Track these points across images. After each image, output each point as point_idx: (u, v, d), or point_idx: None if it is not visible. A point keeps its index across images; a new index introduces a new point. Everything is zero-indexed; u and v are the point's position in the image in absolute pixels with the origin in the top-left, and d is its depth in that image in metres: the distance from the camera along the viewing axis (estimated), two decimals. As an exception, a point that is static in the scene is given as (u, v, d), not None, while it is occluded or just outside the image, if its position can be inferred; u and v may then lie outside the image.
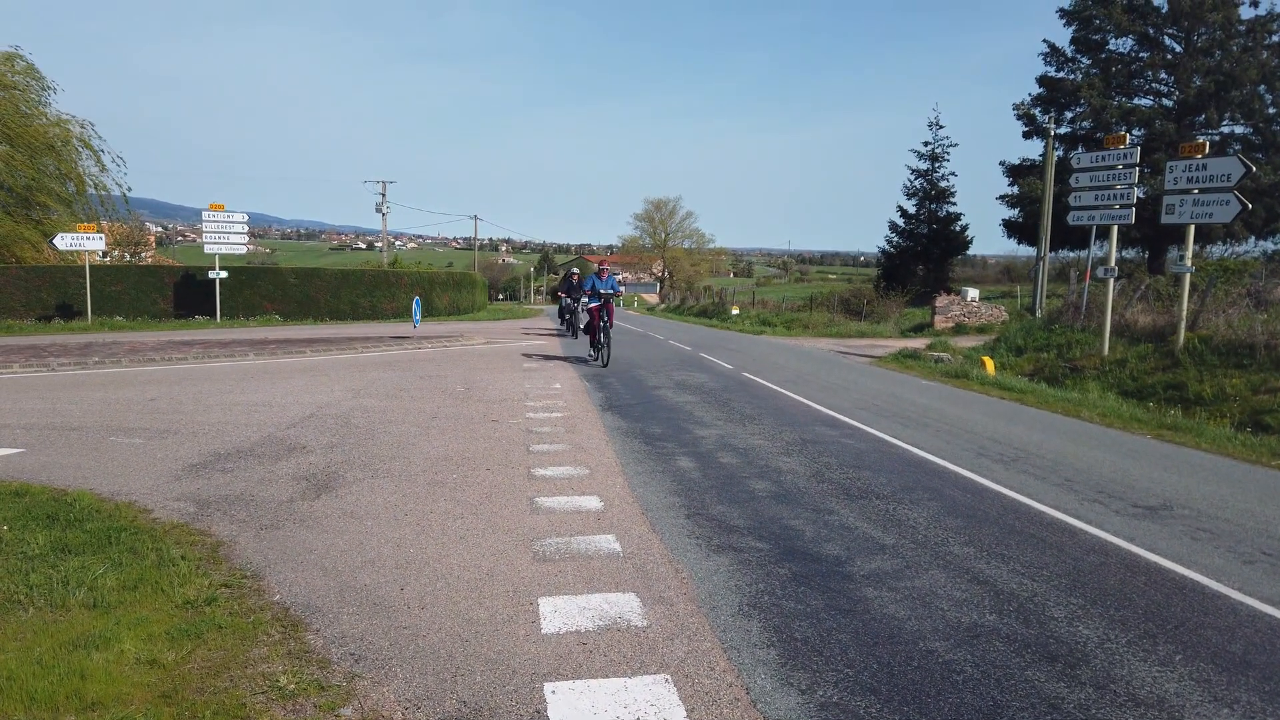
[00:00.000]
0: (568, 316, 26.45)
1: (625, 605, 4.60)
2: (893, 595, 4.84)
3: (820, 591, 4.87)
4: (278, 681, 3.68)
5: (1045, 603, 4.80)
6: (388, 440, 8.91)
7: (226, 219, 30.02)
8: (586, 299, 17.05)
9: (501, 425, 9.96)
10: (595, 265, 19.63)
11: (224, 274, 29.68)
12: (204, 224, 30.05)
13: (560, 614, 4.47)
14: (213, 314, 29.69)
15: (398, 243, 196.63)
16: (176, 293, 31.02)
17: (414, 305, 23.89)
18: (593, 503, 6.64)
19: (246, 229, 31.02)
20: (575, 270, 26.96)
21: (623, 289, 18.83)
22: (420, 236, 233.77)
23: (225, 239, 29.92)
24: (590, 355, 17.56)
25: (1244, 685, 3.87)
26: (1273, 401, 12.99)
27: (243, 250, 31.38)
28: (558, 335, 27.38)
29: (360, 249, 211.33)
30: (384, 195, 56.12)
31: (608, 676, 3.80)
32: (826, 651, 4.09)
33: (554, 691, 3.65)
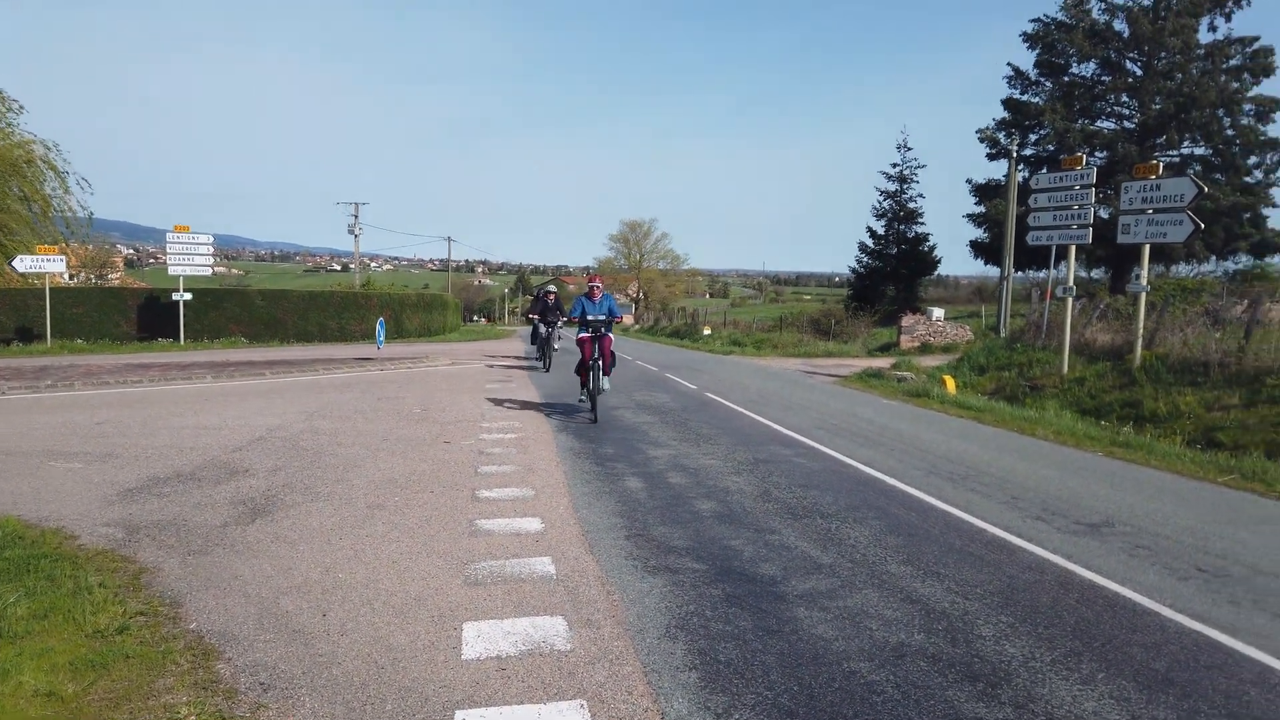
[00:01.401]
0: (543, 344, 21.81)
1: (551, 629, 4.53)
2: (823, 615, 4.80)
3: (751, 612, 4.82)
4: (178, 713, 3.58)
5: (975, 621, 4.77)
6: (334, 463, 8.79)
7: (191, 240, 29.71)
8: (578, 326, 12.36)
9: (453, 447, 9.85)
10: (585, 283, 13.80)
11: (188, 296, 29.34)
12: (168, 245, 29.73)
13: (483, 639, 4.39)
14: (176, 336, 29.32)
15: (373, 264, 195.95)
16: (140, 315, 30.65)
17: (378, 327, 23.70)
18: (533, 524, 6.56)
19: (211, 250, 30.70)
20: (551, 289, 22.23)
21: (622, 314, 13.67)
22: (396, 258, 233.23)
23: (189, 260, 29.60)
24: (581, 400, 12.52)
25: (1163, 703, 3.86)
26: (1225, 418, 13.14)
27: (207, 272, 31.05)
28: (526, 365, 23.12)
29: (335, 270, 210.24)
30: (356, 216, 55.98)
31: (522, 703, 3.73)
32: (748, 674, 4.04)
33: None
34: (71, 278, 45.52)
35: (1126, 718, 3.71)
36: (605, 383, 12.22)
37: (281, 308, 33.67)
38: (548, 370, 20.35)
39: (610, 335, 12.16)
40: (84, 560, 5.46)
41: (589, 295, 12.35)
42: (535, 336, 23.23)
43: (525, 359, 25.55)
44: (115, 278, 65.83)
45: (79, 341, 27.83)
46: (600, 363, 12.01)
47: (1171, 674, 4.18)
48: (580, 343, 12.17)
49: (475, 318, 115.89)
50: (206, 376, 16.94)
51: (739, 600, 5.01)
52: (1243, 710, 3.82)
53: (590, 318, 12.10)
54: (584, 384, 12.32)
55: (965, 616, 4.85)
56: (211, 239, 30.57)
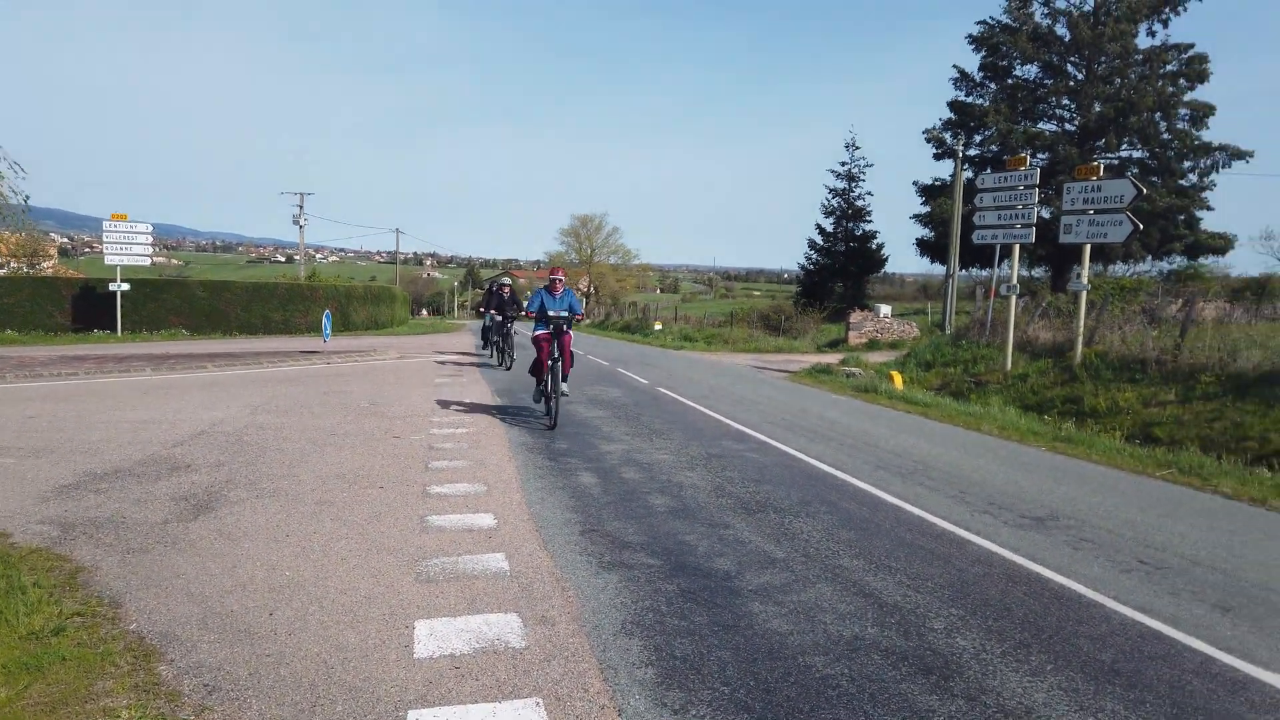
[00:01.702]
0: (494, 339, 21.16)
1: (505, 626, 4.47)
2: (778, 610, 4.81)
3: (706, 607, 4.82)
4: (118, 717, 3.46)
5: (927, 614, 4.83)
6: (279, 458, 8.59)
7: (129, 229, 28.87)
8: (532, 324, 11.26)
9: (403, 442, 9.70)
10: (544, 277, 12.86)
11: (125, 286, 28.50)
12: (105, 235, 28.84)
13: (436, 637, 4.32)
14: (113, 328, 28.46)
15: (318, 256, 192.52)
16: (75, 306, 29.64)
17: (324, 319, 23.28)
18: (486, 520, 6.48)
19: (150, 239, 29.87)
20: (505, 282, 21.19)
21: (583, 310, 12.35)
22: (342, 250, 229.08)
23: (127, 250, 28.77)
24: (536, 404, 11.76)
25: (1109, 694, 3.94)
26: (1161, 414, 13.53)
27: (146, 262, 30.22)
28: (477, 362, 21.84)
29: (279, 262, 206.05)
30: (301, 207, 54.86)
31: (476, 702, 3.67)
32: (705, 669, 4.03)
33: (417, 719, 3.51)
34: (0, 266, 43.94)
35: (1075, 708, 3.78)
36: (564, 386, 11.15)
37: (224, 299, 32.88)
38: (509, 368, 19.10)
39: (570, 333, 11.15)
40: (17, 559, 5.25)
41: (549, 289, 11.20)
42: (488, 332, 22.24)
43: (476, 355, 24.62)
44: (49, 267, 63.67)
45: (10, 333, 26.86)
46: (560, 364, 10.90)
47: (1117, 665, 4.27)
48: (537, 340, 10.95)
49: (424, 311, 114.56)
50: (145, 369, 16.46)
51: (694, 595, 5.00)
52: (1186, 700, 3.92)
53: (551, 313, 10.93)
54: (540, 386, 11.31)
55: (917, 610, 4.90)
56: (150, 228, 29.74)
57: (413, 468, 8.32)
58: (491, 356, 21.38)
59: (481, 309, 22.26)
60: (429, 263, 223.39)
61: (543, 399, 11.38)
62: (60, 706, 3.54)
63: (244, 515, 6.46)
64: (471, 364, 21.37)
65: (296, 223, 55.25)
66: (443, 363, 21.11)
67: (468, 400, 13.67)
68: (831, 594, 5.11)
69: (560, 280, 11.31)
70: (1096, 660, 4.32)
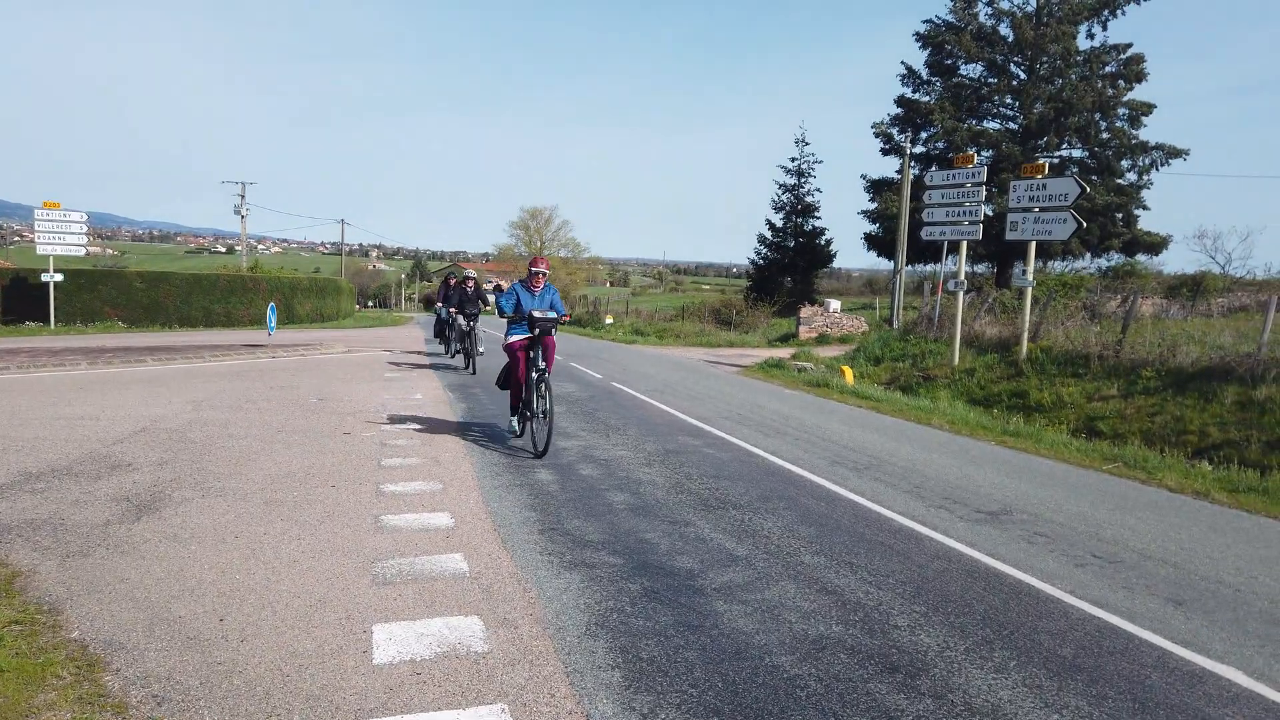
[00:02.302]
0: (449, 335, 19.24)
1: (467, 630, 4.37)
2: (743, 609, 4.78)
3: (670, 607, 4.77)
4: (61, 732, 3.28)
5: (890, 611, 4.84)
6: (226, 456, 8.33)
7: (63, 218, 27.88)
8: (509, 325, 9.15)
9: (354, 438, 9.49)
10: (522, 270, 10.56)
11: (59, 277, 27.53)
12: (37, 223, 27.82)
13: (395, 642, 4.20)
14: (46, 320, 27.49)
15: (260, 247, 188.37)
16: (6, 297, 28.58)
17: (269, 312, 22.77)
18: (443, 519, 6.35)
19: (85, 229, 28.89)
20: (469, 275, 18.80)
21: (567, 311, 9.87)
22: (285, 240, 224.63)
23: (61, 240, 27.78)
24: (513, 428, 9.60)
25: (1072, 690, 3.98)
26: (1105, 408, 13.85)
27: (80, 252, 29.21)
28: (430, 362, 19.48)
29: (219, 252, 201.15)
30: (243, 197, 53.62)
31: (440, 709, 3.57)
32: (672, 671, 3.98)
33: (379, 729, 3.40)
34: (-75, 255, 42.20)
35: (1040, 705, 3.81)
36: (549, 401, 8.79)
37: (163, 291, 31.96)
38: (473, 371, 17.03)
39: (553, 338, 9.12)
40: (-54, 565, 4.99)
41: (528, 283, 9.19)
42: (444, 328, 20.19)
43: (429, 354, 22.15)
44: (-25, 256, 61.28)
45: (-66, 324, 25.80)
46: (545, 368, 8.87)
47: (1078, 660, 4.32)
48: (511, 348, 9.07)
49: (370, 303, 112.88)
50: (81, 363, 15.89)
51: (658, 595, 4.95)
52: (1146, 695, 3.98)
53: (536, 314, 8.83)
54: (517, 406, 9.33)
55: (880, 607, 4.91)
56: (85, 217, 28.77)
57: (365, 465, 8.13)
58: (449, 356, 19.54)
59: (437, 303, 20.34)
60: (375, 254, 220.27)
61: (523, 422, 9.32)
62: (-3, 722, 3.36)
63: (190, 516, 6.24)
64: (426, 364, 19.21)
65: (238, 212, 53.99)
66: (396, 363, 20.72)
67: (417, 396, 13.45)
68: (795, 592, 5.09)
69: (543, 273, 9.24)
70: (1058, 656, 4.36)
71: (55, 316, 27.66)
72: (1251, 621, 5.00)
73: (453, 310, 18.78)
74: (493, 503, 6.91)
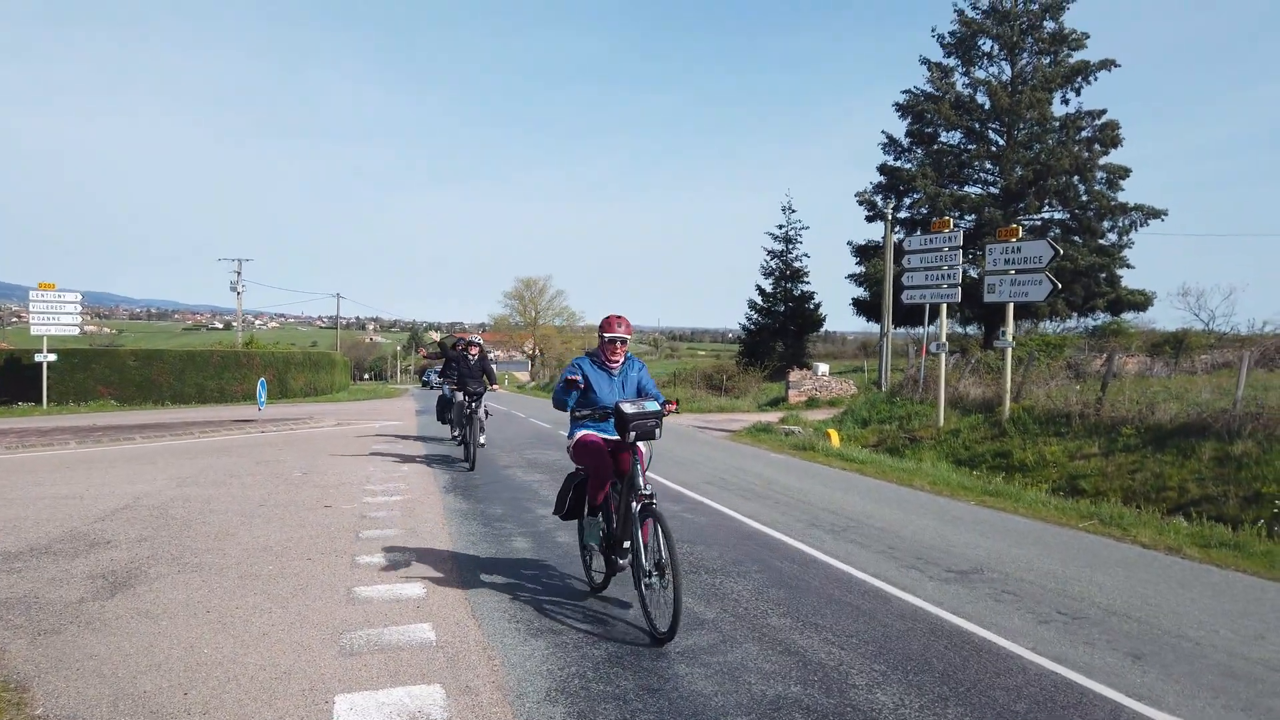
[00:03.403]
0: (463, 423, 14.60)
1: (428, 698, 4.43)
2: (704, 671, 4.84)
3: (632, 671, 4.82)
4: (16, 808, 3.33)
5: (850, 671, 4.90)
6: (205, 531, 8.39)
7: (57, 298, 28.24)
8: (573, 420, 6.18)
9: (334, 511, 9.56)
10: (609, 328, 6.22)
11: (52, 357, 27.75)
12: (31, 304, 28.15)
13: (356, 712, 4.25)
14: (38, 400, 27.60)
15: (258, 322, 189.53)
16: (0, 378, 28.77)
17: (259, 387, 22.91)
18: (415, 590, 6.40)
19: (80, 308, 29.22)
20: (474, 340, 15.36)
21: (663, 398, 5.95)
22: (282, 315, 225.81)
23: (55, 320, 28.09)
24: (590, 579, 6.61)
25: (1021, 742, 4.03)
26: (1086, 467, 13.95)
27: (75, 331, 29.51)
28: (422, 453, 15.66)
29: (216, 329, 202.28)
30: (239, 273, 54.23)
31: (394, 776, 3.62)
32: (627, 734, 4.03)
33: (331, 797, 3.45)
34: (-79, 337, 42.50)
35: (987, 759, 3.86)
36: (655, 551, 5.50)
37: (156, 368, 32.16)
38: (472, 466, 13.30)
39: (657, 432, 5.68)
40: (-84, 645, 5.04)
41: (603, 357, 6.22)
42: (446, 409, 16.77)
43: (425, 436, 19.34)
44: (-29, 337, 61.65)
45: (-74, 406, 25.90)
46: (653, 506, 5.47)
47: (1031, 715, 4.38)
48: (586, 448, 6.05)
49: (366, 376, 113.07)
50: (70, 442, 15.98)
51: (620, 660, 5.00)
52: (1092, 746, 4.03)
53: (627, 407, 5.61)
54: (601, 549, 6.12)
55: (840, 666, 4.97)
56: (80, 297, 29.13)
57: (342, 538, 8.19)
58: (457, 443, 15.88)
59: (435, 381, 19.22)
60: (371, 327, 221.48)
61: (611, 571, 6.07)
62: (-46, 799, 3.41)
63: (164, 591, 6.29)
64: (418, 453, 15.49)
65: (234, 289, 54.54)
66: (382, 448, 20.76)
67: (403, 468, 13.51)
68: (758, 653, 5.15)
69: (622, 340, 6.16)
70: (1011, 711, 4.42)
71: (48, 396, 27.79)
72: (1207, 674, 5.06)
73: (451, 385, 15.19)
74: (466, 573, 6.97)
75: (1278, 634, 5.92)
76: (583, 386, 6.04)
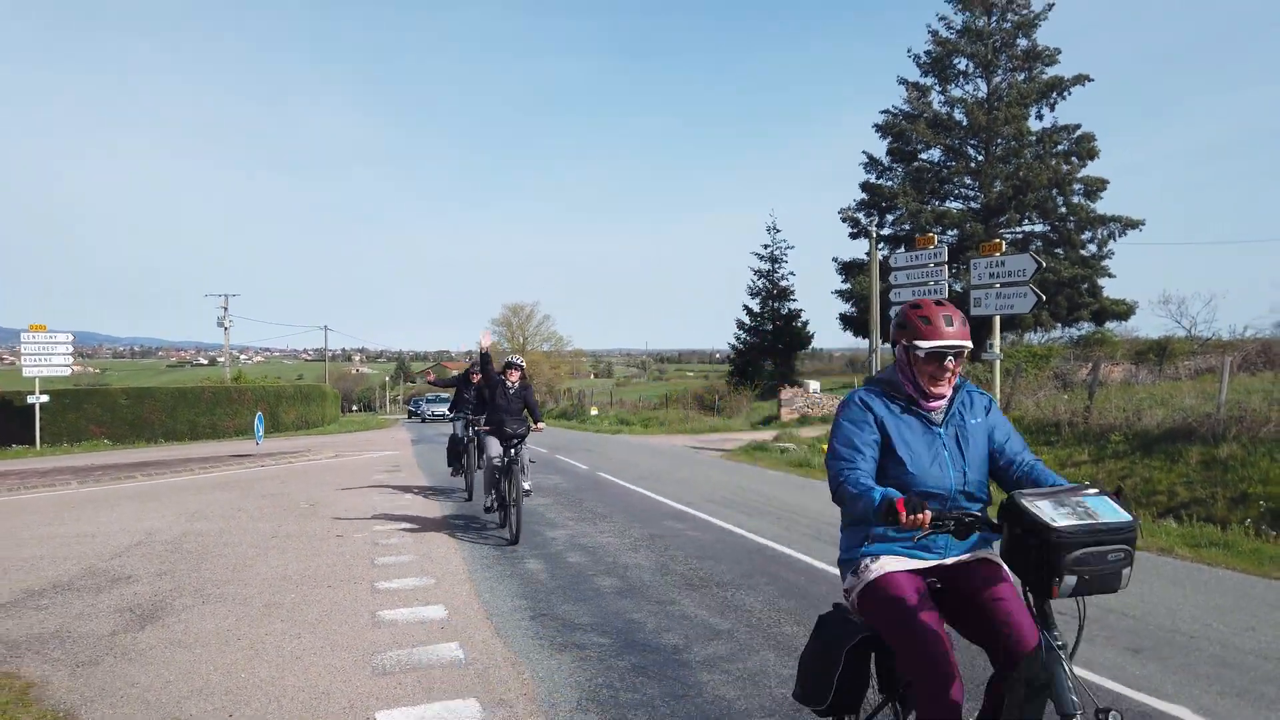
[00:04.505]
0: (466, 464, 12.91)
1: (465, 711, 4.62)
2: (725, 677, 5.06)
3: (657, 680, 5.04)
4: (89, 824, 3.51)
5: (864, 673, 5.13)
6: (222, 563, 8.55)
7: (49, 339, 28.31)
8: (849, 523, 3.16)
9: (346, 540, 9.73)
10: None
11: (45, 398, 27.78)
12: (23, 346, 28.20)
13: (398, 726, 4.45)
14: (32, 441, 27.58)
15: (243, 356, 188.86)
16: (-10, 420, 28.74)
17: (256, 422, 23.04)
18: (438, 612, 6.60)
19: (71, 349, 29.28)
20: (517, 362, 10.41)
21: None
22: (268, 349, 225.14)
23: (47, 361, 28.15)
24: None
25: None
26: (1078, 474, 14.25)
27: (66, 372, 29.56)
28: (425, 482, 15.28)
29: (201, 365, 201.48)
30: (226, 309, 54.25)
31: (443, 783, 3.82)
32: (659, 738, 4.25)
33: (386, 804, 3.65)
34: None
35: (1001, 748, 4.09)
36: None
37: (147, 406, 32.21)
38: (515, 539, 9.30)
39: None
40: (-38, 680, 5.21)
41: (911, 386, 3.13)
42: (458, 454, 13.18)
43: (425, 467, 18.50)
44: (-43, 381, 61.32)
45: (-81, 451, 25.86)
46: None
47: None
48: (895, 611, 2.92)
49: (355, 408, 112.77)
50: (71, 482, 16.07)
51: (645, 670, 5.22)
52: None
53: (1049, 513, 2.52)
54: None
55: (855, 669, 5.19)
56: (71, 337, 29.23)
57: (358, 565, 8.37)
58: (488, 505, 10.65)
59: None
60: (358, 358, 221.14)
61: None
62: (27, 818, 3.59)
63: (193, 622, 6.47)
64: (421, 483, 15.14)
65: (221, 324, 54.53)
66: (385, 477, 20.90)
67: (407, 497, 13.67)
68: (775, 660, 5.38)
69: (957, 353, 3.04)
70: (1020, 704, 4.65)
71: (41, 437, 27.79)
72: (1202, 665, 5.32)
73: (476, 423, 11.81)
74: (484, 593, 7.17)
75: (1267, 626, 6.19)
76: (874, 448, 3.04)
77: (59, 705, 4.85)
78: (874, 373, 32.81)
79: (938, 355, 3.01)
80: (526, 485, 10.08)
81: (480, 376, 11.31)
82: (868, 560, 3.06)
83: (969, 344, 3.00)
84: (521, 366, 10.41)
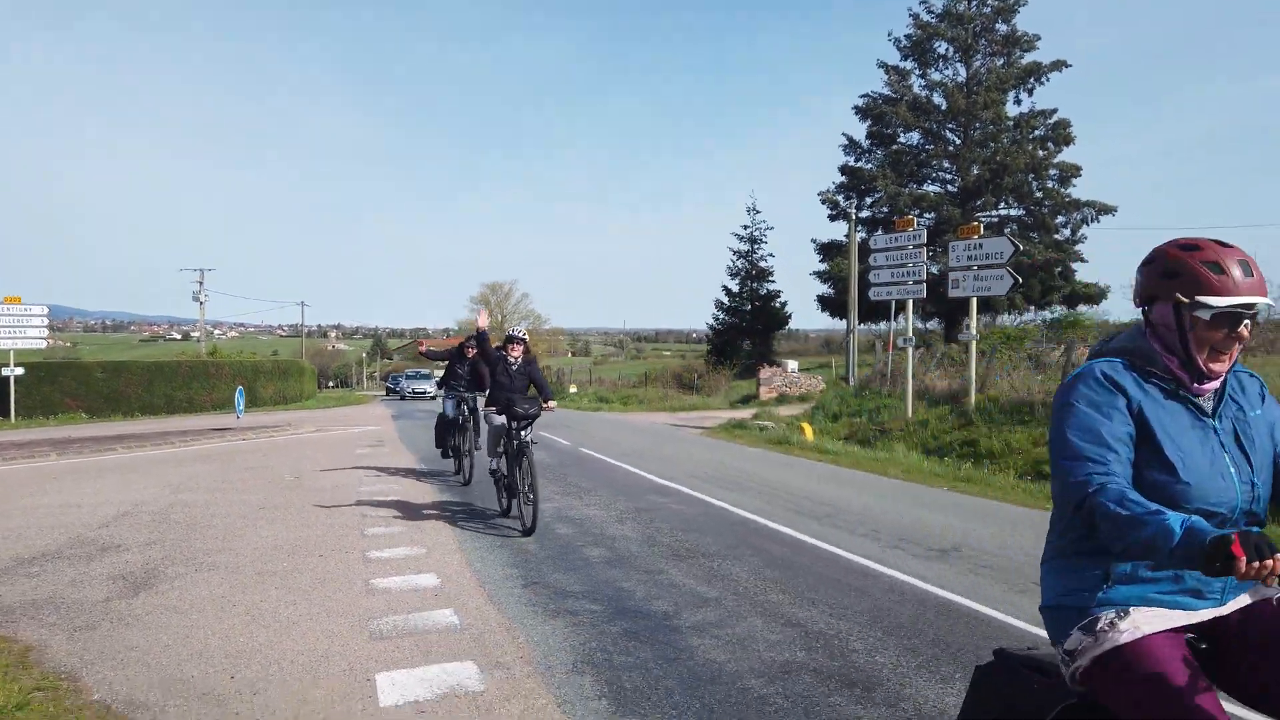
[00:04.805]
0: (459, 443, 12.04)
1: (463, 673, 4.75)
2: (715, 642, 5.22)
3: (649, 644, 5.19)
4: (102, 776, 3.61)
5: (849, 638, 5.31)
6: (212, 533, 8.61)
7: (24, 312, 27.96)
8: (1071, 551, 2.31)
9: (335, 512, 9.81)
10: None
11: (20, 370, 27.46)
12: (-3, 318, 27.85)
13: (398, 687, 4.57)
14: (6, 414, 27.29)
15: (217, 332, 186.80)
16: (-38, 393, 28.37)
17: (237, 395, 22.96)
18: (430, 580, 6.72)
19: (46, 322, 28.94)
20: (519, 334, 9.46)
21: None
22: (242, 325, 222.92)
23: (21, 333, 27.80)
24: None
25: (1009, 692, 4.46)
26: (1049, 453, 14.56)
27: (42, 345, 29.24)
28: (410, 458, 15.07)
29: (175, 340, 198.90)
30: (201, 283, 53.71)
31: (446, 739, 3.95)
32: (654, 697, 4.40)
33: (393, 757, 3.78)
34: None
35: (980, 706, 4.28)
36: None
37: (124, 380, 31.92)
38: (529, 530, 8.37)
39: None
40: (-39, 644, 5.26)
41: (1178, 361, 2.22)
42: (448, 434, 12.25)
43: (409, 443, 18.34)
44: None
45: (-110, 423, 25.53)
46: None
47: (1015, 668, 4.81)
48: (1158, 690, 1.96)
49: (331, 384, 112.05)
50: (51, 454, 15.98)
51: (637, 635, 5.37)
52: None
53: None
54: None
55: (840, 635, 5.38)
56: (46, 310, 28.87)
57: (349, 535, 8.46)
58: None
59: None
60: (334, 335, 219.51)
61: None
62: (42, 772, 3.68)
63: (187, 589, 6.54)
64: (407, 459, 15.21)
65: (197, 299, 54.00)
66: (368, 450, 20.91)
67: (392, 470, 13.74)
68: (763, 626, 5.55)
69: (1248, 314, 2.15)
70: (998, 666, 4.85)
71: (15, 410, 27.49)
72: (1172, 630, 5.55)
73: (472, 401, 11.68)
74: (476, 563, 7.29)
75: (1233, 596, 6.44)
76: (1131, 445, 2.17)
77: (60, 667, 4.92)
78: (852, 353, 33.08)
79: (1231, 318, 2.13)
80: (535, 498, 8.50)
81: (476, 351, 10.90)
82: (1113, 615, 2.10)
83: (1269, 301, 2.17)
84: (524, 340, 9.44)
